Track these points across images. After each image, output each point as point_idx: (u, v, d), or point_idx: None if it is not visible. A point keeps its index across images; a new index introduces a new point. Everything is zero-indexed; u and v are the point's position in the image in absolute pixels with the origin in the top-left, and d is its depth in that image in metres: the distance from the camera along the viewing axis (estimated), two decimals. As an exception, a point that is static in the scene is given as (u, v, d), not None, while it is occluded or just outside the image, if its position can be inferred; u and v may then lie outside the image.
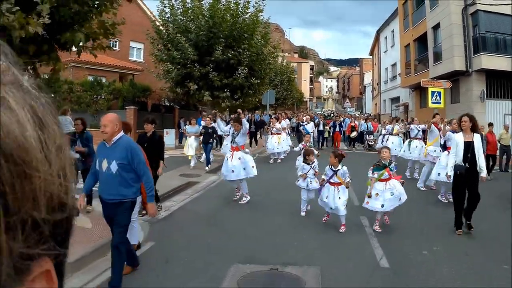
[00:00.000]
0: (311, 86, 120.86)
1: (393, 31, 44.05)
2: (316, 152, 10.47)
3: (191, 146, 17.01)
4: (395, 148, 17.15)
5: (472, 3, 25.35)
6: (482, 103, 25.29)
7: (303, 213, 9.64)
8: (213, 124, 17.07)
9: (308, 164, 9.70)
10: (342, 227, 8.39)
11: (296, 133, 26.24)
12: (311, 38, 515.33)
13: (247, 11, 22.62)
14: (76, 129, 9.41)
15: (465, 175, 8.20)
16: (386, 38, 48.15)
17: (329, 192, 8.68)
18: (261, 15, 23.48)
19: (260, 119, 27.38)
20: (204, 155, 17.18)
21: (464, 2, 25.98)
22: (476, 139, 8.33)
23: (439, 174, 11.38)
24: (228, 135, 12.54)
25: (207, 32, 20.94)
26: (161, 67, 23.51)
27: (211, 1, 22.16)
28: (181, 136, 25.13)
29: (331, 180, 8.77)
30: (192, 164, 16.99)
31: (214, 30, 21.07)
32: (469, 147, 8.22)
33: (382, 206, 8.45)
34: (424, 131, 16.49)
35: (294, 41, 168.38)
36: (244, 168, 10.88)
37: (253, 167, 11.14)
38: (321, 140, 26.92)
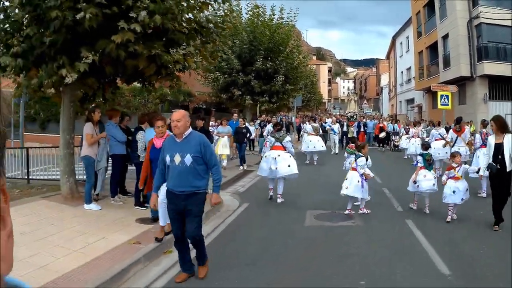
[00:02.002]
0: (329, 88, 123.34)
1: (407, 37, 47.21)
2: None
3: (224, 146, 17.51)
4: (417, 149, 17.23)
5: (476, 16, 28.72)
6: (485, 104, 28.72)
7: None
8: (246, 125, 19.42)
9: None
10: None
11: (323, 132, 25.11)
12: (327, 39, 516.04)
13: (280, 26, 26.37)
14: None
15: (497, 175, 8.43)
16: (401, 43, 51.42)
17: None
18: (294, 26, 27.31)
19: (287, 120, 30.77)
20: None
21: (469, 15, 29.36)
22: (506, 140, 8.36)
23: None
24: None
25: (249, 46, 24.65)
26: (207, 76, 27.00)
27: (249, 17, 25.96)
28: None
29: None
30: (224, 163, 17.39)
31: (255, 44, 24.78)
32: (499, 149, 8.35)
33: (434, 184, 9.56)
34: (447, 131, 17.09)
35: (310, 42, 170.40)
36: (288, 165, 11.10)
37: (289, 165, 11.18)
38: (345, 141, 27.05)
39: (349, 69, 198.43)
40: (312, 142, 19.46)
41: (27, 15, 8.45)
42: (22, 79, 10.35)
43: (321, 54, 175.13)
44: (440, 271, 6.31)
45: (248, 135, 18.32)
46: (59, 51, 8.57)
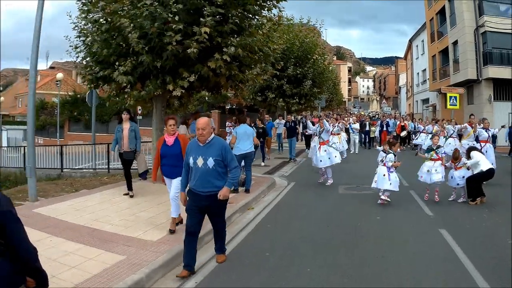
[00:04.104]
0: (349, 87, 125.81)
1: (423, 41, 50.10)
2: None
3: None
4: None
5: (482, 25, 31.76)
6: (490, 104, 31.67)
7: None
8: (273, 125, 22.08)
9: (384, 152, 11.65)
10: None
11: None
12: (346, 37, 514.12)
13: (307, 36, 30.19)
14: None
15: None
16: (417, 46, 54.40)
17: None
18: (320, 36, 30.97)
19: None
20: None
21: (476, 24, 32.38)
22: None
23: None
24: (315, 134, 15.02)
25: (281, 54, 28.35)
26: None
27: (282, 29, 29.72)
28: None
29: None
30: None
31: (287, 53, 28.56)
32: None
33: (431, 179, 11.37)
34: (459, 134, 18.86)
35: (330, 41, 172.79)
36: (329, 158, 14.03)
37: (336, 156, 14.22)
38: (367, 140, 28.78)
39: (368, 68, 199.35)
40: (341, 143, 20.69)
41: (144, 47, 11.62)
42: (104, 90, 14.21)
43: (340, 53, 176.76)
44: (426, 213, 10.16)
45: (264, 135, 19.32)
46: (162, 71, 12.21)
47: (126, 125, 11.66)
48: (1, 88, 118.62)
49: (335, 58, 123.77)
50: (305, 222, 9.56)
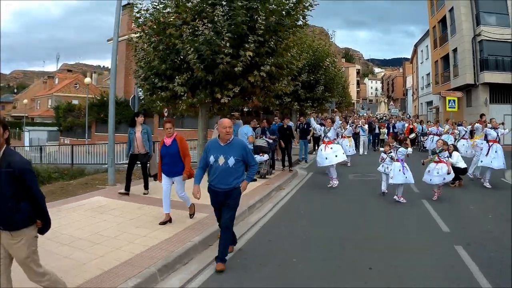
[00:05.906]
0: (358, 89, 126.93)
1: (427, 47, 52.67)
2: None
3: None
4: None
5: (479, 34, 34.56)
6: (486, 107, 34.09)
7: (382, 192, 13.16)
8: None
9: (385, 153, 13.07)
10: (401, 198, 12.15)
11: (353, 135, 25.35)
12: (354, 38, 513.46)
13: (319, 46, 33.28)
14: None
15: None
16: (422, 51, 57.23)
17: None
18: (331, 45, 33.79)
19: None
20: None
21: (473, 33, 35.17)
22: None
23: (481, 161, 14.95)
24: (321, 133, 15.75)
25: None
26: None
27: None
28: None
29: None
30: None
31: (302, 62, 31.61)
32: None
33: (430, 180, 12.47)
34: (471, 131, 18.96)
35: (338, 43, 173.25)
36: (335, 156, 14.53)
37: (343, 153, 15.10)
38: (377, 141, 30.28)
39: (376, 70, 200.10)
40: (351, 146, 21.69)
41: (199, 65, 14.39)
42: (154, 97, 16.88)
43: (349, 55, 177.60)
44: (414, 191, 13.54)
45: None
46: (211, 83, 15.16)
47: (139, 128, 12.12)
48: (15, 90, 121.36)
49: (343, 60, 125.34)
50: (324, 196, 13.15)
